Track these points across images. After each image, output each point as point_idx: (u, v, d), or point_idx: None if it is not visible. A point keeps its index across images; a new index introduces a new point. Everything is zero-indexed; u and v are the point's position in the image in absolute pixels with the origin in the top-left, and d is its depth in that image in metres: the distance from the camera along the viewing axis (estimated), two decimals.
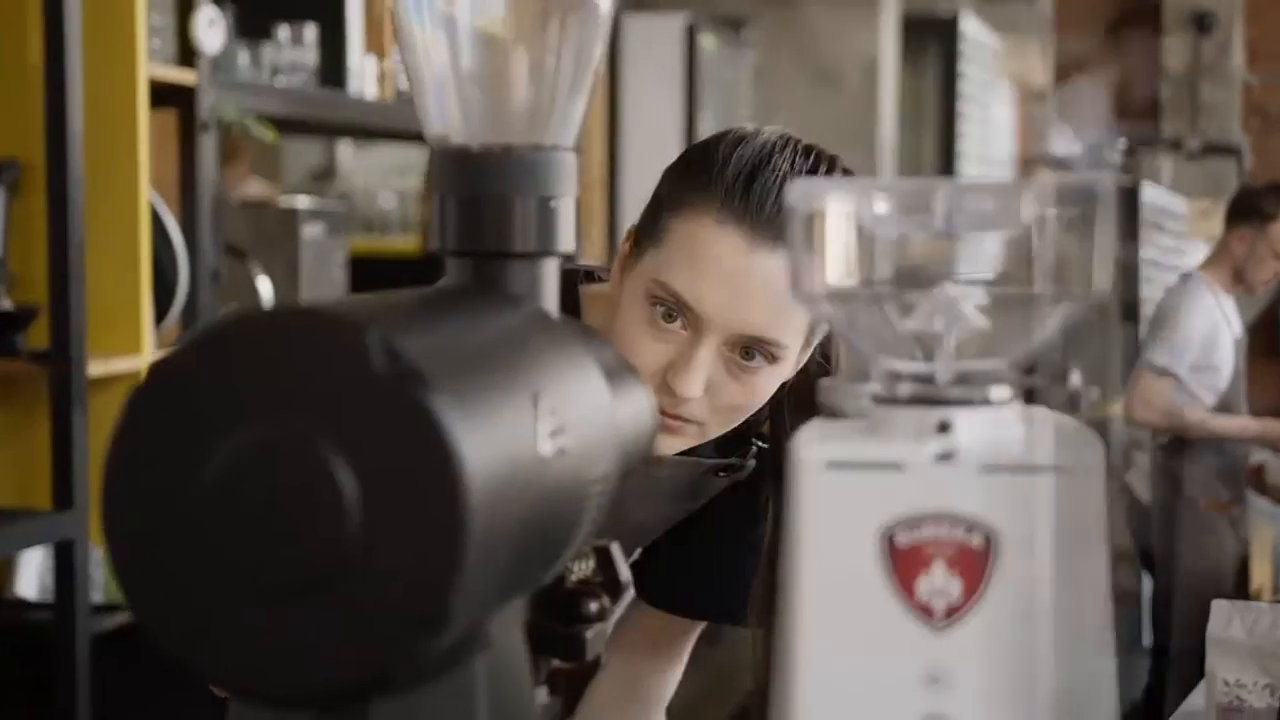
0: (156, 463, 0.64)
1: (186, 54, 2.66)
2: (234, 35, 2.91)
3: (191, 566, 0.64)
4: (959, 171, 7.44)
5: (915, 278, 0.75)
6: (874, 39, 5.44)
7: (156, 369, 0.64)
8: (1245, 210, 4.31)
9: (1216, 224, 8.74)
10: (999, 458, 0.70)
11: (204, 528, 0.64)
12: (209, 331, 0.64)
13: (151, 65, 2.54)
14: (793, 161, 1.26)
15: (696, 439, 1.29)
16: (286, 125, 3.16)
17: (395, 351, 0.63)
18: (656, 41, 4.88)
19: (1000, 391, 0.72)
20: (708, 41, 4.97)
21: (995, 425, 0.72)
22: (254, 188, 4.05)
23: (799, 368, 1.33)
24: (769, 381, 1.27)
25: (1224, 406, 4.28)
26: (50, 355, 2.34)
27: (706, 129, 5.48)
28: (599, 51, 0.86)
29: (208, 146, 2.68)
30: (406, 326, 0.66)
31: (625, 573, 0.91)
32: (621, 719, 1.52)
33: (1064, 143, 5.41)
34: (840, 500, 0.70)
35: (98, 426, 2.39)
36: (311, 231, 3.01)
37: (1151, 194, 7.24)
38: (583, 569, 0.90)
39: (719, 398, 1.26)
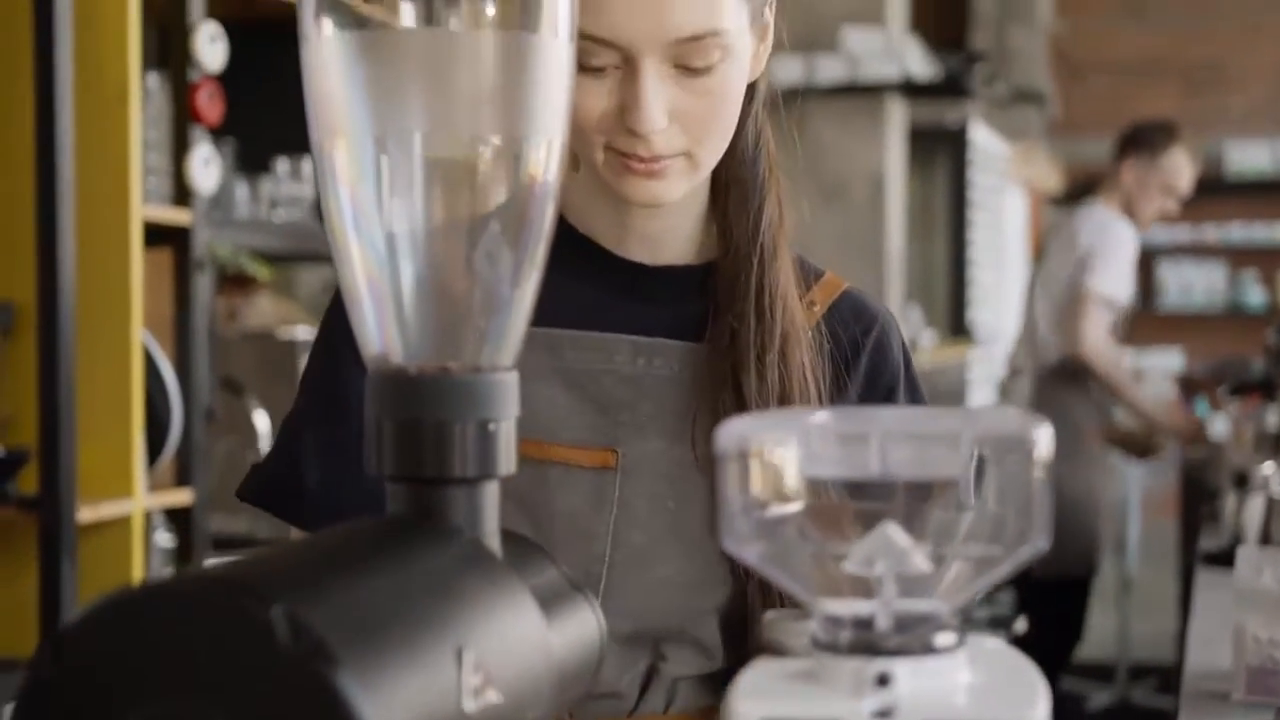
0: None
1: (182, 192, 2.67)
2: (233, 169, 2.92)
3: None
4: (970, 278, 7.43)
5: (855, 518, 0.73)
6: (880, 153, 5.46)
7: (55, 641, 0.62)
8: (1136, 142, 4.35)
9: (1033, 169, 8.74)
10: (941, 713, 0.67)
11: None
12: (109, 601, 0.62)
13: (147, 207, 2.54)
14: None
15: (691, 173, 1.17)
16: (285, 256, 3.17)
17: (301, 625, 0.60)
18: None
19: (944, 638, 0.70)
20: None
21: (939, 675, 0.69)
22: (265, 308, 4.04)
23: (763, 53, 1.23)
24: (730, 78, 1.15)
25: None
26: (40, 502, 2.32)
27: None
28: (538, 267, 0.84)
29: (202, 285, 2.68)
30: (317, 591, 0.64)
31: None
32: None
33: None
34: None
35: (88, 575, 2.36)
36: None
37: (979, 134, 7.24)
38: None
39: (689, 118, 1.14)
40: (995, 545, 0.70)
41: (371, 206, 0.81)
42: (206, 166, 2.65)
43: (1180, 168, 4.32)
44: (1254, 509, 3.00)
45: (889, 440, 0.70)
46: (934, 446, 0.70)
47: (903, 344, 1.31)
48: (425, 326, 0.82)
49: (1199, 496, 4.47)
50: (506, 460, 0.82)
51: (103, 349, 2.46)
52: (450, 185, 0.81)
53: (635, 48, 1.11)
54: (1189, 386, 4.50)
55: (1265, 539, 2.89)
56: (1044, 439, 0.68)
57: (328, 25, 0.80)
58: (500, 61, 0.80)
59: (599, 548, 1.18)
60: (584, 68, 1.13)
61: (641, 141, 1.14)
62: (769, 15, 1.21)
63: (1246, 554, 2.04)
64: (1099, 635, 6.47)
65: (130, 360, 2.47)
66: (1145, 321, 10.29)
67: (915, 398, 1.32)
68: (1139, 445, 4.67)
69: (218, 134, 2.80)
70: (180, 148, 2.65)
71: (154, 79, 2.66)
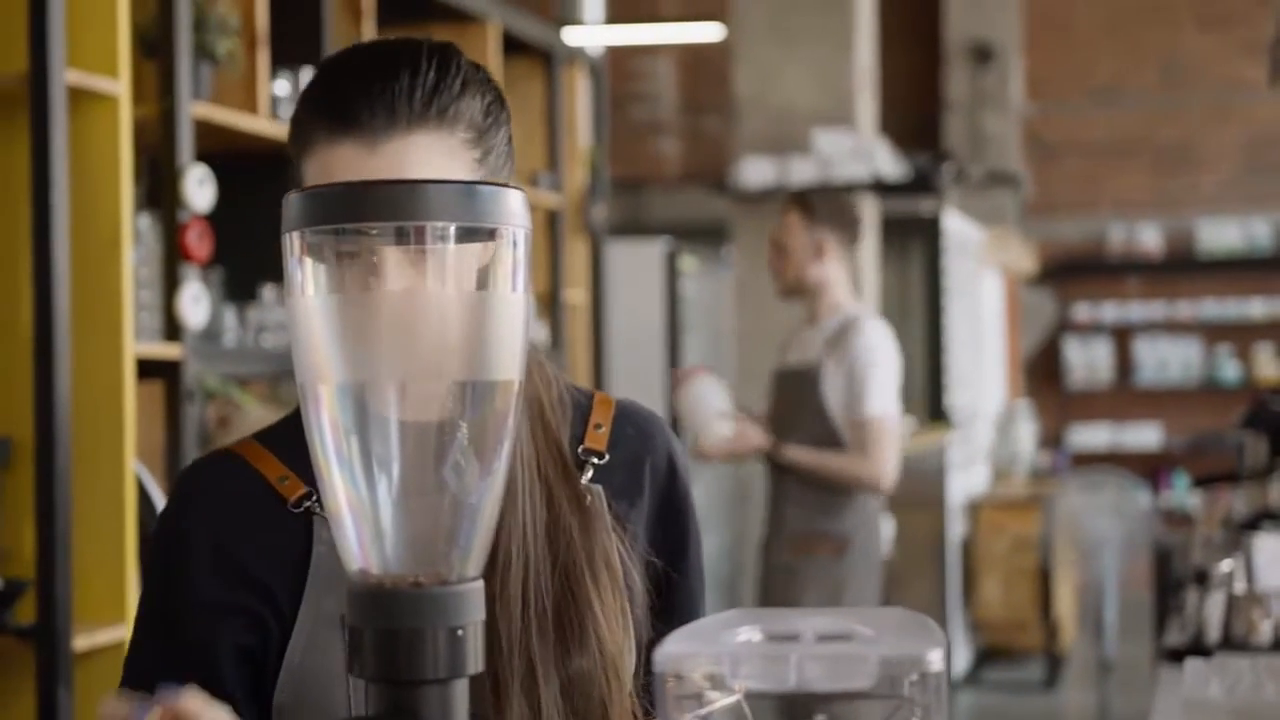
0: None
1: (172, 328, 2.78)
2: (222, 299, 3.03)
3: None
4: (946, 363, 7.54)
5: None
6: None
7: None
8: None
9: (1008, 253, 8.81)
10: None
11: None
12: None
13: (139, 343, 2.65)
14: (380, 50, 1.23)
15: None
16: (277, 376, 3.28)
17: None
18: (639, 265, 5.05)
19: None
20: (688, 264, 5.12)
21: None
22: (255, 415, 4.11)
23: None
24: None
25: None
26: (37, 631, 2.41)
27: (690, 347, 5.62)
28: (499, 490, 0.95)
29: (192, 415, 2.78)
30: None
31: None
32: None
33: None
34: None
35: (84, 701, 2.45)
36: None
37: (952, 222, 7.37)
38: None
39: None
40: None
41: (352, 440, 0.92)
42: (196, 303, 2.77)
43: None
44: (1214, 606, 3.08)
45: (806, 658, 0.80)
46: (845, 664, 0.81)
47: (681, 450, 1.40)
48: (399, 544, 0.93)
49: (1170, 579, 4.54)
50: (474, 660, 0.92)
51: (97, 481, 2.56)
52: (421, 420, 0.92)
53: None
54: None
55: (1226, 637, 2.97)
56: (937, 658, 0.79)
57: (310, 286, 0.91)
58: (464, 317, 0.91)
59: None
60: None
61: None
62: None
63: (1195, 666, 2.13)
64: (1079, 714, 6.54)
65: (124, 491, 2.57)
66: (1123, 397, 10.44)
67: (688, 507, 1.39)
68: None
69: (206, 265, 2.92)
70: (171, 285, 2.76)
71: (145, 220, 2.77)
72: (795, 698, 0.81)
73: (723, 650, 0.81)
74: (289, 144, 1.27)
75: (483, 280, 0.92)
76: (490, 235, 0.92)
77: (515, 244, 0.93)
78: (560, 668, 1.24)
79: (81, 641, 2.48)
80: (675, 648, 0.81)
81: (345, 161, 1.19)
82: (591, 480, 1.30)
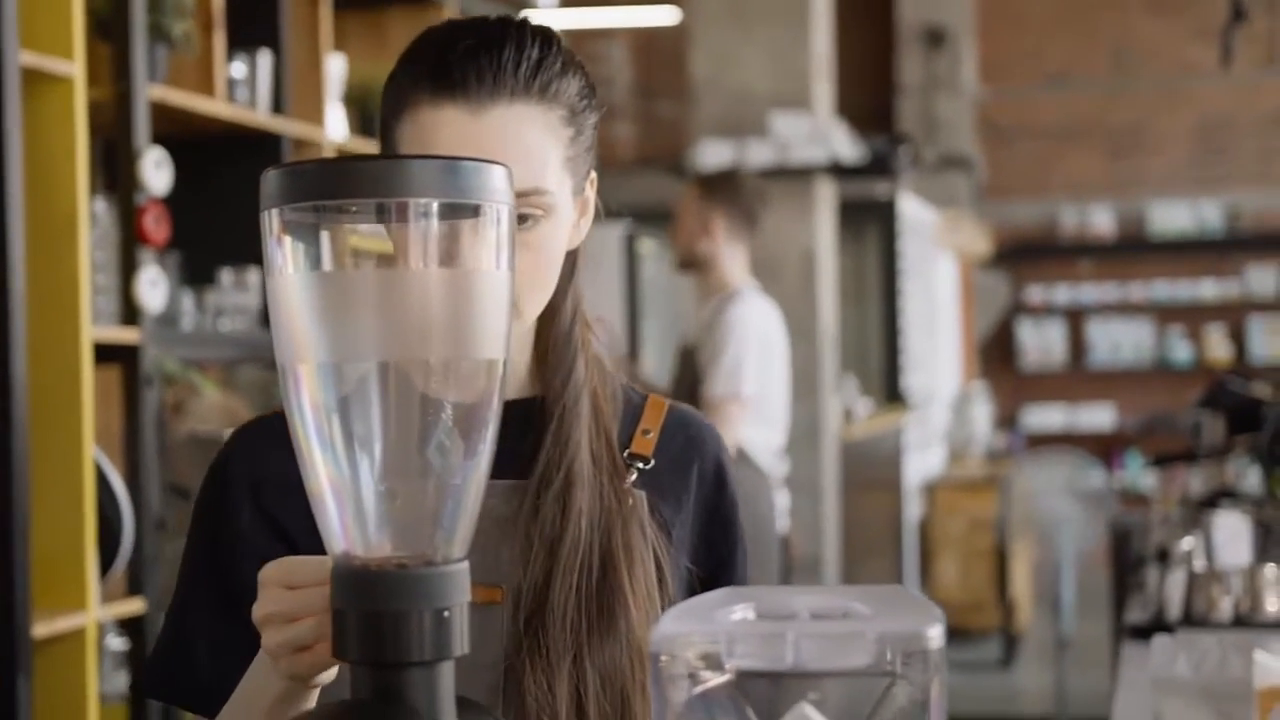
0: None
1: (130, 312, 2.74)
2: (179, 282, 3.00)
3: None
4: (902, 345, 7.57)
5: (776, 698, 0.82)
6: (811, 232, 5.59)
7: None
8: None
9: (961, 235, 8.86)
10: None
11: None
12: None
13: (96, 327, 2.62)
14: (484, 24, 1.24)
15: (513, 321, 1.19)
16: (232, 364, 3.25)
17: None
18: (597, 249, 5.01)
19: None
20: (646, 247, 5.11)
21: None
22: (211, 400, 4.08)
23: (583, 226, 1.30)
24: (551, 238, 1.23)
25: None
26: None
27: (650, 330, 5.62)
28: (484, 464, 0.93)
29: (150, 400, 2.75)
30: None
31: None
32: None
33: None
34: None
35: (43, 688, 2.42)
36: None
37: (907, 205, 7.42)
38: None
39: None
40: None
41: (333, 420, 0.90)
42: (153, 287, 2.74)
43: None
44: (1175, 584, 3.09)
45: (803, 636, 0.79)
46: (842, 641, 0.80)
47: (730, 462, 1.40)
48: (383, 526, 0.91)
49: (1128, 557, 4.56)
50: (460, 642, 0.91)
51: (56, 467, 2.52)
52: (403, 400, 0.91)
53: None
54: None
55: (1187, 614, 2.99)
56: (936, 635, 0.78)
57: (290, 265, 0.89)
58: (446, 295, 0.90)
59: (493, 678, 1.23)
60: None
61: None
62: (590, 191, 1.30)
63: (1162, 643, 2.13)
64: (1037, 692, 6.58)
65: (82, 477, 2.53)
66: (1076, 378, 10.51)
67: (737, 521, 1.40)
68: None
69: (164, 248, 2.89)
70: (128, 269, 2.73)
71: (101, 204, 2.74)
72: (791, 676, 0.80)
73: (718, 629, 0.80)
74: (382, 106, 1.27)
75: (466, 257, 0.90)
76: (474, 212, 0.91)
77: (499, 220, 0.91)
78: (592, 652, 1.24)
79: (41, 629, 2.45)
80: (670, 627, 0.80)
81: (447, 124, 1.20)
82: (635, 484, 1.30)
